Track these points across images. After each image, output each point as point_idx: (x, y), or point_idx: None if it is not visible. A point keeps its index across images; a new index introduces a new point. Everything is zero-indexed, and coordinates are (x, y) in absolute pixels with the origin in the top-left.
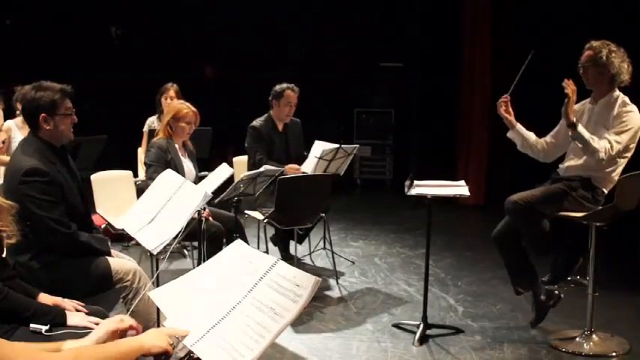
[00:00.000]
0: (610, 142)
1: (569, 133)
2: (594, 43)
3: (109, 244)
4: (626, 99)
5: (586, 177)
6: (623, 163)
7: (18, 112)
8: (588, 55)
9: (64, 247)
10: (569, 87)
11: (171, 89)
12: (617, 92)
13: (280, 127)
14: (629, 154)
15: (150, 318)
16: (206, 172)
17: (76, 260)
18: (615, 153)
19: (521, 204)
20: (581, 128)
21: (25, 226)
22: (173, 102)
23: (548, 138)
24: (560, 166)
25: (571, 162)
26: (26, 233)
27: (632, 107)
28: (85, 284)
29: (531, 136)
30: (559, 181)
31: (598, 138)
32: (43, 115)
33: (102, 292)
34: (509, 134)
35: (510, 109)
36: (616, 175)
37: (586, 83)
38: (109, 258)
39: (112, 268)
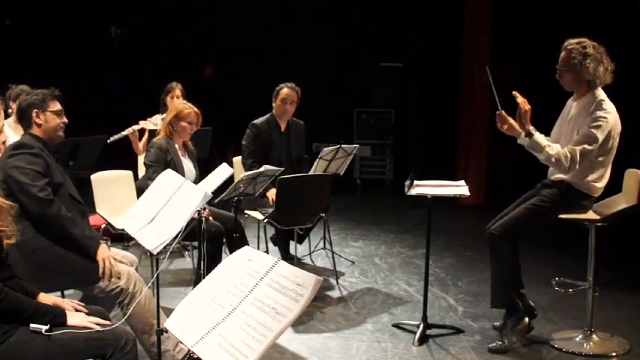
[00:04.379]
0: (570, 150)
1: (525, 144)
2: (570, 45)
3: (108, 243)
4: (604, 100)
5: (567, 182)
6: (603, 166)
7: (11, 110)
8: (563, 58)
9: (42, 215)
10: (519, 97)
11: (177, 88)
12: (598, 92)
13: (283, 126)
14: (608, 157)
15: (147, 322)
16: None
17: (65, 249)
18: (582, 157)
19: (498, 233)
20: (538, 136)
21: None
22: (175, 102)
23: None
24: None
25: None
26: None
27: (608, 110)
28: (71, 271)
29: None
30: (544, 186)
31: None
32: (35, 110)
33: (86, 284)
34: (520, 141)
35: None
36: (599, 181)
37: (564, 86)
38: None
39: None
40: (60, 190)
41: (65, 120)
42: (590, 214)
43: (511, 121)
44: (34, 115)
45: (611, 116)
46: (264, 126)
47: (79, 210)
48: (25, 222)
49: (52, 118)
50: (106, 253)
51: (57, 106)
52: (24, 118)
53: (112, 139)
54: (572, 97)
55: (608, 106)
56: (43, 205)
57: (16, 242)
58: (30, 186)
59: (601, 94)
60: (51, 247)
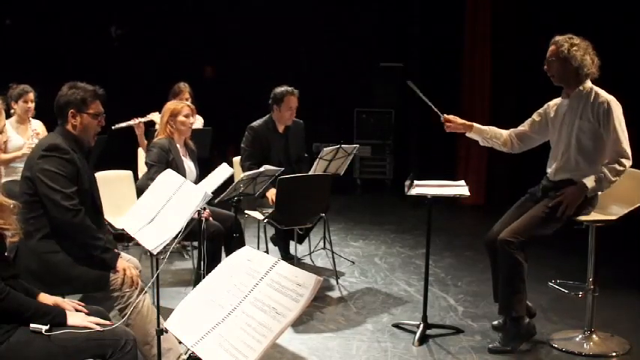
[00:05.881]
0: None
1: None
2: (557, 38)
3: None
4: (599, 90)
5: (578, 182)
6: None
7: (13, 110)
8: (551, 50)
9: (67, 223)
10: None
11: (186, 91)
12: (589, 84)
13: (281, 128)
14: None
15: (149, 334)
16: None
17: (72, 259)
18: (620, 162)
19: (516, 240)
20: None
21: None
22: (167, 103)
23: (520, 128)
24: (548, 170)
25: (559, 164)
26: (38, 216)
27: (610, 97)
28: (80, 278)
29: (489, 131)
30: (549, 189)
31: (578, 130)
32: (72, 110)
33: (94, 291)
34: (468, 135)
35: (457, 119)
36: None
37: (552, 79)
38: None
39: (110, 274)
40: (86, 198)
41: (102, 123)
42: (597, 215)
43: (459, 120)
44: (70, 114)
45: (616, 107)
46: (262, 128)
47: (99, 219)
48: (36, 224)
49: (88, 121)
50: (125, 262)
51: (97, 107)
52: (61, 114)
53: (116, 126)
54: (561, 97)
55: (608, 96)
56: (68, 214)
57: (19, 242)
58: (57, 193)
59: (592, 85)
60: (56, 254)
